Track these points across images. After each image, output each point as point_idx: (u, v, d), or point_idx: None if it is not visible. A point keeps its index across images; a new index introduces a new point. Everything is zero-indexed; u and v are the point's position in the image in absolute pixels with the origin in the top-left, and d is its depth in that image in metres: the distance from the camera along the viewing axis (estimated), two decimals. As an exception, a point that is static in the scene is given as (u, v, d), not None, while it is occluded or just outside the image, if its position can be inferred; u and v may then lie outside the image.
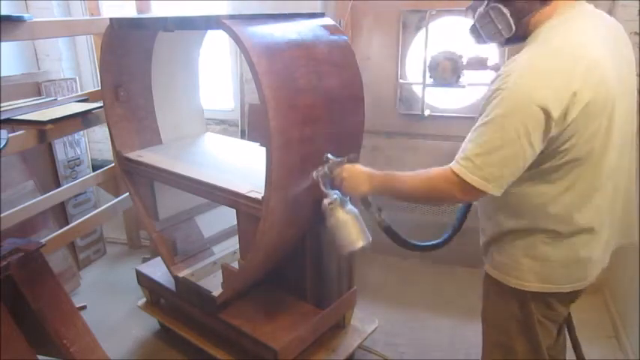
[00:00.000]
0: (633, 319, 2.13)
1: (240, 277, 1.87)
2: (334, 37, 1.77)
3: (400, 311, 2.53)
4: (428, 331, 2.41)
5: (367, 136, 1.95)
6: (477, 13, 1.21)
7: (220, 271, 1.97)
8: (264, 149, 1.53)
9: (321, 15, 1.85)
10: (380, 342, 2.30)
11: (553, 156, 1.10)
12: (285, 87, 1.53)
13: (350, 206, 1.43)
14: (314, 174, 1.46)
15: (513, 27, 1.16)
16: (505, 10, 1.15)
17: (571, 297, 1.29)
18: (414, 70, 2.78)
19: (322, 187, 1.44)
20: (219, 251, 2.28)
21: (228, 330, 1.96)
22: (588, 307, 2.46)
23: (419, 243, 1.50)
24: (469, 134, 1.12)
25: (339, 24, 2.61)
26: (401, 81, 2.82)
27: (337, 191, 1.43)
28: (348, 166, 1.41)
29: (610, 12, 2.33)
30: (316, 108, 1.62)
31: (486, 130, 1.07)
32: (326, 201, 1.43)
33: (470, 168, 1.09)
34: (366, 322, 2.20)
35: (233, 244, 2.29)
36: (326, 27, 1.77)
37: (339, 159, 1.45)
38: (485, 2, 1.18)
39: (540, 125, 1.03)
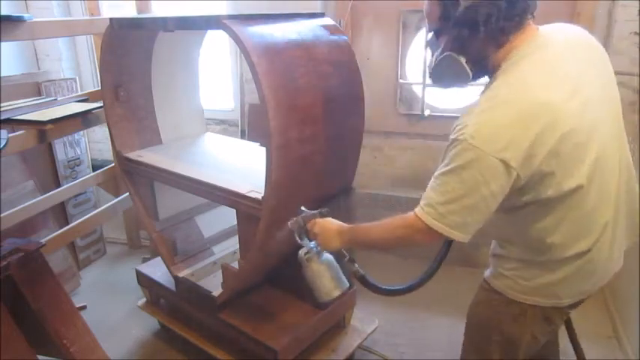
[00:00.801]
0: (633, 319, 2.13)
1: (240, 277, 1.87)
2: (334, 37, 1.77)
3: (400, 311, 2.53)
4: (428, 331, 2.41)
5: (367, 136, 1.95)
6: (434, 57, 1.21)
7: (220, 271, 1.97)
8: (264, 149, 1.53)
9: (321, 15, 1.85)
10: (380, 342, 2.30)
11: (537, 193, 1.10)
12: (285, 87, 1.53)
13: (326, 255, 1.45)
14: (289, 224, 1.47)
15: (470, 74, 1.16)
16: (461, 59, 1.14)
17: (571, 308, 1.29)
18: (414, 70, 2.78)
19: (297, 238, 1.46)
20: (219, 251, 2.28)
21: (228, 330, 1.96)
22: (588, 307, 2.45)
23: (392, 287, 1.52)
24: (431, 181, 1.12)
25: (339, 24, 2.61)
26: (401, 81, 2.82)
27: (313, 242, 1.44)
28: (319, 221, 1.42)
29: (610, 12, 2.34)
30: (316, 108, 1.62)
31: (447, 179, 1.08)
32: (301, 252, 1.45)
33: (433, 215, 1.10)
34: (366, 322, 2.20)
35: (233, 244, 2.29)
36: (326, 27, 1.77)
37: (311, 212, 1.46)
38: (440, 50, 1.18)
39: (500, 175, 1.04)
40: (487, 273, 1.35)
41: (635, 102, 2.35)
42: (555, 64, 1.10)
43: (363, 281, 1.45)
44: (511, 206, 1.15)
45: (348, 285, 1.47)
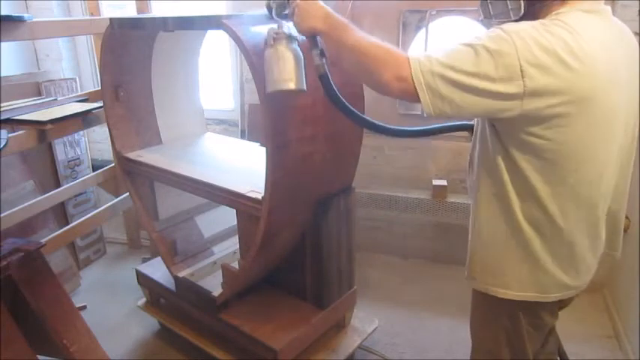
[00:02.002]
0: (633, 319, 2.13)
1: (240, 277, 1.87)
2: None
3: (400, 311, 2.53)
4: (428, 331, 2.41)
5: (367, 136, 1.95)
6: None
7: (220, 271, 1.97)
8: (264, 149, 1.53)
9: (321, 15, 1.84)
10: (380, 342, 2.30)
11: (553, 133, 1.03)
12: (285, 87, 1.53)
13: (296, 45, 1.27)
14: (267, 1, 1.28)
15: (523, 9, 1.09)
16: None
17: (559, 305, 1.29)
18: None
19: (273, 15, 1.28)
20: (219, 251, 2.28)
21: (228, 330, 1.96)
22: (588, 307, 2.46)
23: (353, 110, 1.34)
24: (462, 41, 1.03)
25: (339, 24, 2.60)
26: (401, 81, 2.82)
27: (289, 25, 1.26)
28: None
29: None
30: (316, 108, 1.62)
31: (464, 49, 1.00)
32: (271, 29, 1.26)
33: (424, 66, 1.00)
34: (366, 322, 2.20)
35: (233, 244, 2.29)
36: (326, 27, 1.77)
37: None
38: None
39: (511, 82, 0.97)
40: (469, 282, 1.34)
41: (635, 102, 2.35)
42: (604, 29, 1.06)
43: (324, 80, 1.27)
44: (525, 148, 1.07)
45: (305, 89, 1.28)
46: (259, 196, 1.61)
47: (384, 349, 2.27)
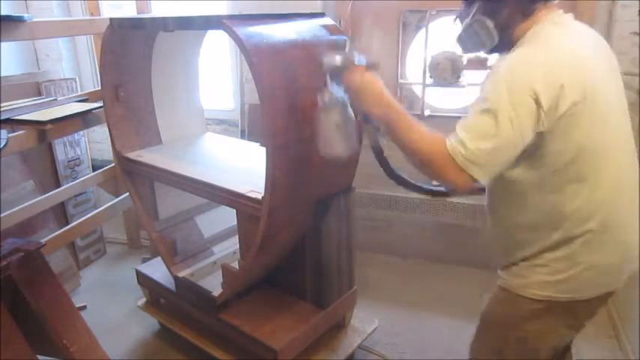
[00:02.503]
0: (633, 319, 2.13)
1: (240, 277, 1.87)
2: (334, 37, 1.77)
3: (400, 311, 2.53)
4: (428, 331, 2.41)
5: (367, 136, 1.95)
6: (464, 23, 1.25)
7: (220, 271, 1.97)
8: (264, 149, 1.53)
9: (321, 15, 1.85)
10: (380, 342, 2.30)
11: (563, 142, 1.10)
12: (285, 87, 1.53)
13: (349, 111, 1.30)
14: (324, 58, 1.28)
15: (496, 39, 1.21)
16: (489, 23, 1.19)
17: (598, 303, 1.28)
18: (414, 70, 2.78)
19: (328, 80, 1.30)
20: (219, 251, 2.28)
21: (228, 330, 1.96)
22: (588, 307, 2.46)
23: (410, 180, 1.38)
24: (468, 114, 1.12)
25: (339, 24, 2.61)
26: (401, 81, 2.82)
27: (342, 91, 1.28)
28: (366, 74, 1.26)
29: (610, 12, 2.34)
30: (316, 108, 1.62)
31: (480, 117, 1.08)
32: (326, 96, 1.29)
33: (461, 151, 1.07)
34: (366, 322, 2.20)
35: (233, 244, 2.29)
36: (326, 27, 1.77)
37: (359, 58, 1.27)
38: (471, 14, 1.22)
39: (531, 113, 1.05)
40: (503, 275, 1.32)
41: (635, 102, 2.35)
42: (578, 34, 1.18)
43: (379, 154, 1.34)
44: (534, 161, 1.14)
45: (357, 151, 1.32)
46: (259, 196, 1.61)
47: (384, 349, 2.27)
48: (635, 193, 1.22)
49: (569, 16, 1.21)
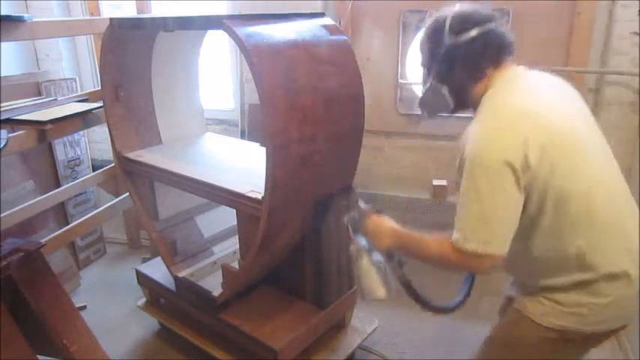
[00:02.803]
0: (633, 319, 2.13)
1: (240, 277, 1.87)
2: (334, 37, 1.77)
3: (400, 311, 2.53)
4: (428, 331, 2.41)
5: (367, 136, 1.95)
6: (423, 89, 1.35)
7: (220, 271, 1.97)
8: (264, 149, 1.53)
9: (321, 15, 1.85)
10: (380, 342, 2.30)
11: (541, 205, 1.15)
12: (285, 87, 1.53)
13: (376, 255, 1.45)
14: (345, 219, 1.50)
15: (451, 104, 1.31)
16: (443, 90, 1.29)
17: (611, 334, 1.29)
18: (414, 70, 2.78)
19: (351, 233, 1.48)
20: (219, 251, 2.28)
21: (228, 330, 1.96)
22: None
23: (435, 304, 1.54)
24: (458, 203, 1.20)
25: (339, 24, 2.61)
26: (401, 81, 2.82)
27: (365, 240, 1.45)
28: (375, 218, 1.44)
29: (610, 12, 2.34)
30: (316, 108, 1.62)
31: (465, 200, 1.16)
32: (352, 247, 1.46)
33: (464, 238, 1.16)
34: (366, 322, 2.20)
35: (233, 244, 2.29)
36: (326, 27, 1.77)
37: (366, 208, 1.49)
38: (428, 83, 1.32)
39: (508, 176, 1.11)
40: (522, 298, 1.32)
41: (635, 102, 2.35)
42: (531, 87, 1.25)
43: (408, 287, 1.46)
44: (537, 221, 1.18)
45: (393, 289, 1.45)
46: (259, 196, 1.61)
47: (384, 349, 2.26)
48: (635, 230, 1.22)
49: (522, 69, 1.28)
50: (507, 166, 1.10)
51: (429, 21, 1.35)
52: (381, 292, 1.42)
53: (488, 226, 1.14)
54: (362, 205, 1.50)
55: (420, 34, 1.37)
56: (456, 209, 1.20)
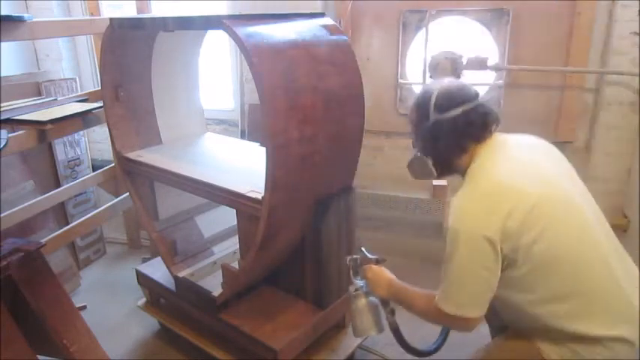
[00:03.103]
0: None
1: (240, 277, 1.87)
2: (334, 37, 1.77)
3: (400, 311, 2.52)
4: (428, 331, 2.41)
5: (367, 136, 1.95)
6: (412, 156, 1.43)
7: (220, 271, 1.97)
8: (264, 149, 1.53)
9: (321, 15, 1.85)
10: (380, 342, 2.30)
11: (527, 269, 1.20)
12: (285, 87, 1.53)
13: (372, 297, 1.56)
14: (347, 260, 1.60)
15: (435, 174, 1.39)
16: (428, 161, 1.37)
17: None
18: (414, 70, 2.78)
19: (351, 275, 1.59)
20: (219, 251, 2.28)
21: (228, 330, 1.96)
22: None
23: (419, 349, 1.67)
24: (442, 270, 1.30)
25: (339, 24, 2.61)
26: (401, 81, 2.82)
27: (363, 282, 1.57)
28: (374, 267, 1.55)
29: (610, 12, 2.34)
30: (316, 108, 1.62)
31: (447, 265, 1.26)
32: (351, 288, 1.57)
33: (444, 300, 1.28)
34: (366, 322, 2.20)
35: (233, 244, 2.29)
36: (326, 27, 1.77)
37: (370, 256, 1.59)
38: (415, 151, 1.41)
39: (488, 251, 1.18)
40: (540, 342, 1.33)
41: (635, 102, 2.36)
42: (513, 157, 1.30)
43: (396, 334, 1.60)
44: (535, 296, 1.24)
45: (384, 330, 1.56)
46: (259, 196, 1.61)
47: (384, 349, 2.26)
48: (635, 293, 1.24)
49: (505, 138, 1.34)
50: (487, 241, 1.17)
51: (418, 91, 1.42)
52: (373, 331, 1.55)
53: (463, 291, 1.25)
54: (365, 251, 1.61)
55: (411, 103, 1.44)
56: (442, 266, 1.29)
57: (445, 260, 1.27)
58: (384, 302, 1.56)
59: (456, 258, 1.23)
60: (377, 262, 1.58)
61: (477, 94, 1.33)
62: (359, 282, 1.57)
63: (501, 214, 1.17)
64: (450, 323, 1.35)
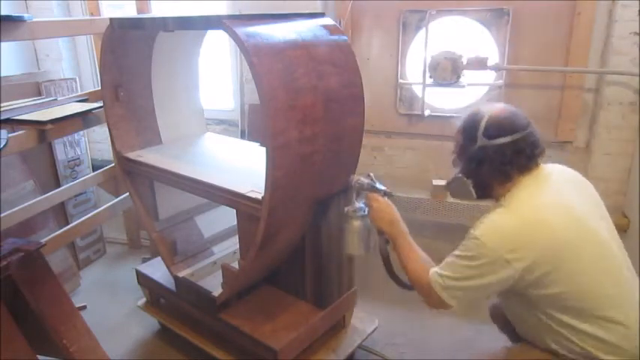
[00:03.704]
0: (633, 319, 2.13)
1: (240, 277, 1.87)
2: (334, 37, 1.77)
3: (400, 311, 2.53)
4: (428, 331, 2.41)
5: (367, 136, 1.95)
6: (453, 175, 1.43)
7: (220, 271, 1.97)
8: (264, 149, 1.53)
9: (321, 15, 1.85)
10: (380, 342, 2.30)
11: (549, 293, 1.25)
12: (285, 87, 1.53)
13: (366, 221, 1.57)
14: (354, 180, 1.59)
15: (474, 196, 1.39)
16: (468, 183, 1.37)
17: None
18: (414, 70, 2.78)
19: (353, 195, 1.59)
20: (219, 251, 2.28)
21: (228, 330, 1.96)
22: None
23: (405, 281, 1.64)
24: (451, 254, 1.32)
25: (339, 24, 2.61)
26: (401, 81, 2.82)
27: (363, 205, 1.57)
28: (381, 199, 1.53)
29: (610, 12, 2.34)
30: (316, 108, 1.62)
31: (459, 262, 1.29)
32: (349, 208, 1.58)
33: (441, 284, 1.31)
34: (366, 322, 2.20)
35: (233, 244, 2.29)
36: (326, 27, 1.77)
37: (379, 186, 1.57)
38: (457, 171, 1.41)
39: (503, 271, 1.22)
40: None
41: (635, 102, 2.36)
42: (551, 191, 1.31)
43: (386, 262, 1.57)
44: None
45: (370, 250, 1.58)
46: (259, 196, 1.61)
47: (384, 349, 2.26)
48: None
49: (547, 171, 1.34)
50: (506, 263, 1.21)
51: (468, 112, 1.40)
52: (361, 250, 1.60)
53: (461, 287, 1.29)
54: (377, 182, 1.57)
55: (458, 122, 1.43)
56: (451, 254, 1.32)
57: (459, 255, 1.29)
58: (380, 230, 1.55)
59: (470, 262, 1.26)
60: (385, 194, 1.56)
61: (528, 124, 1.32)
62: (360, 205, 1.57)
63: (527, 247, 1.21)
64: (427, 295, 1.37)
